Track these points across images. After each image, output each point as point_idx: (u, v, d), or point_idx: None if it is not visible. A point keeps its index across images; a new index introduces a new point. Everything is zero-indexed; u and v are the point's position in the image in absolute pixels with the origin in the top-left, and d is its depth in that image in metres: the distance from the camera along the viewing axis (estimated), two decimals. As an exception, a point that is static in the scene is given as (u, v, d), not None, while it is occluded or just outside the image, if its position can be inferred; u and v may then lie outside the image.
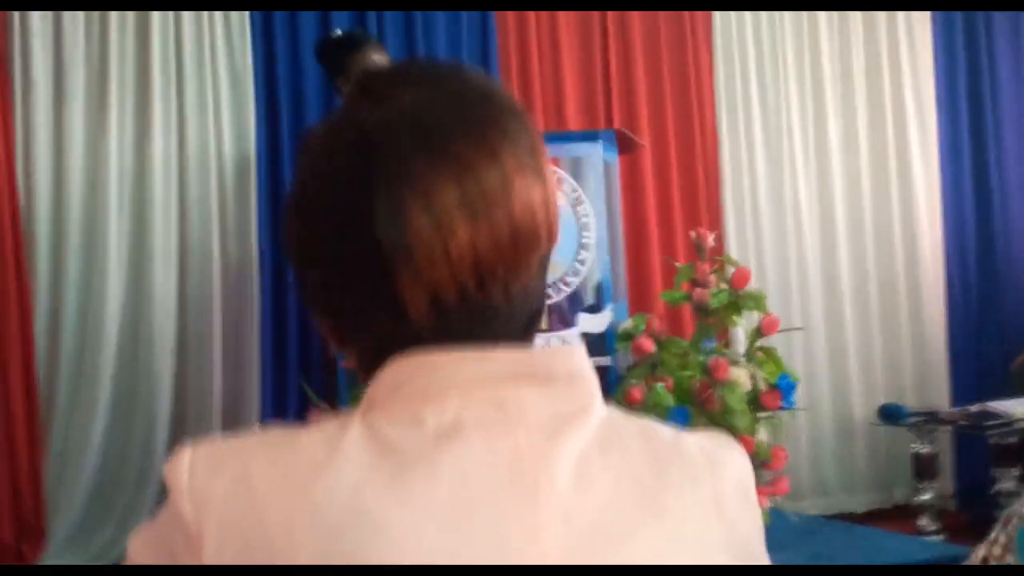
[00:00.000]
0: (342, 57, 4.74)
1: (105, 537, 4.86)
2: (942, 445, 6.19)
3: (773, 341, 5.47)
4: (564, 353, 1.05)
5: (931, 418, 5.89)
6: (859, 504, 6.30)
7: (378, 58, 4.76)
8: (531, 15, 5.75)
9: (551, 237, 1.06)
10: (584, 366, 1.06)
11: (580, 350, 1.07)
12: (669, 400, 4.03)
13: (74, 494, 4.86)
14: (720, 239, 6.03)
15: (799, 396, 5.98)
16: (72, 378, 4.92)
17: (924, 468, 5.83)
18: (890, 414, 6.03)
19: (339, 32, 4.97)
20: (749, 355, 4.30)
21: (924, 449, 5.83)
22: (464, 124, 1.01)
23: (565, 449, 1.00)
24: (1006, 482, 5.62)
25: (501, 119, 1.03)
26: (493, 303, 1.02)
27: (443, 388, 0.99)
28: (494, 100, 1.05)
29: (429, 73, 1.07)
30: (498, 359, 1.01)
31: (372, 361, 1.03)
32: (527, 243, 1.01)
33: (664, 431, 1.09)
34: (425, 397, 0.99)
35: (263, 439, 0.99)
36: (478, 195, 0.98)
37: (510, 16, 5.73)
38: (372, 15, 5.40)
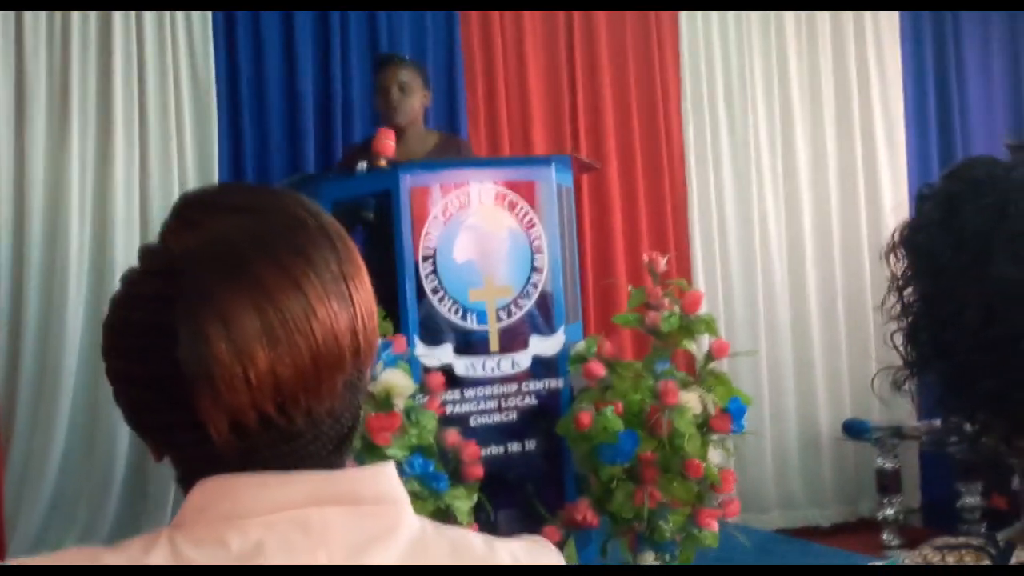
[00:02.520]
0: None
1: (66, 552, 4.87)
2: (908, 460, 6.22)
3: (739, 357, 5.53)
4: (371, 474, 1.08)
5: (895, 433, 5.92)
6: (825, 518, 6.32)
7: (382, 76, 4.96)
8: (497, 40, 5.77)
9: (360, 360, 1.08)
10: (392, 487, 1.08)
11: (389, 469, 1.10)
12: (618, 424, 4.07)
13: (34, 509, 4.86)
14: (687, 258, 6.06)
15: (765, 410, 6.07)
16: (32, 395, 4.93)
17: (888, 483, 5.87)
18: (853, 429, 6.06)
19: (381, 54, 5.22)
20: (701, 379, 4.34)
21: (888, 464, 5.87)
22: (268, 253, 1.03)
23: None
24: (970, 497, 5.66)
25: (307, 248, 1.05)
26: (296, 427, 1.04)
27: (247, 511, 1.02)
28: (305, 228, 1.07)
29: (244, 200, 1.10)
30: (301, 482, 1.04)
31: (184, 478, 1.07)
32: (330, 369, 1.04)
33: (477, 544, 1.12)
34: (229, 520, 1.01)
35: (66, 558, 1.02)
36: (279, 323, 1.00)
37: (475, 39, 5.75)
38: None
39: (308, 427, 1.05)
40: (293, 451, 1.05)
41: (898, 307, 1.13)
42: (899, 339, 1.15)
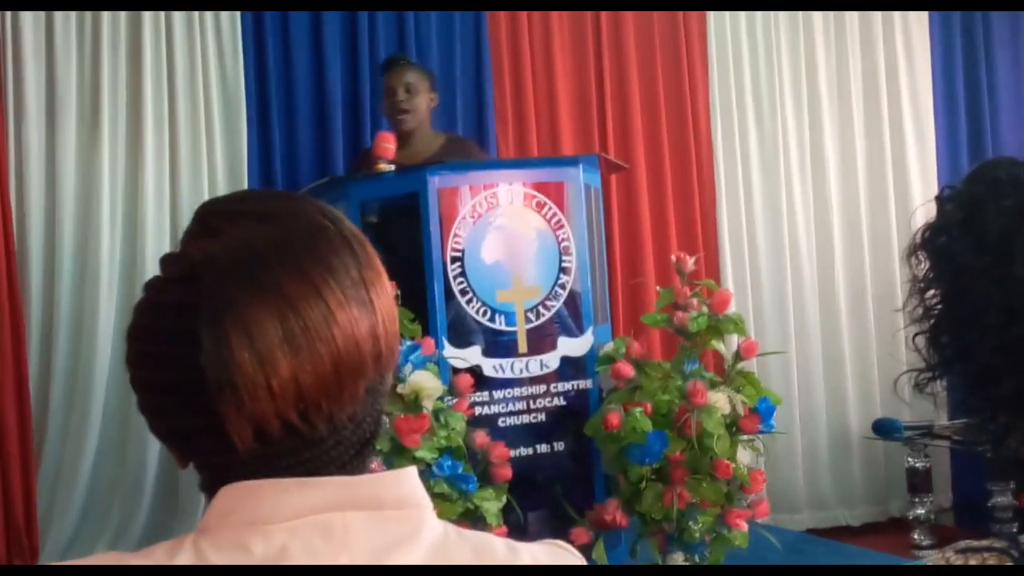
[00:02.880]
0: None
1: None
2: (939, 459, 6.18)
3: (769, 356, 5.52)
4: (392, 479, 1.09)
5: (925, 432, 5.89)
6: (855, 518, 6.29)
7: (387, 78, 5.02)
8: (525, 40, 5.77)
9: (381, 365, 1.09)
10: (414, 491, 1.09)
11: (411, 474, 1.11)
12: (647, 425, 4.07)
13: (67, 511, 4.90)
14: (716, 257, 6.05)
15: (796, 410, 6.05)
16: (65, 397, 4.97)
17: (918, 482, 5.85)
18: (883, 428, 6.03)
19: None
20: (730, 378, 4.33)
21: (918, 463, 5.85)
22: (288, 261, 1.04)
23: None
24: (1001, 496, 5.63)
25: (327, 254, 1.06)
26: (318, 433, 1.05)
27: (270, 516, 1.03)
28: (324, 235, 1.08)
29: (264, 207, 1.11)
30: (323, 487, 1.05)
31: (209, 484, 1.08)
32: (352, 375, 1.05)
33: (499, 548, 1.13)
34: (252, 525, 1.02)
35: (94, 563, 1.03)
36: (300, 330, 1.01)
37: (503, 40, 5.76)
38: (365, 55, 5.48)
39: (330, 433, 1.06)
40: (315, 457, 1.06)
41: (920, 309, 1.14)
42: (921, 341, 1.15)
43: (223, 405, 1.00)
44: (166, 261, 1.10)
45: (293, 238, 1.07)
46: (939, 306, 1.12)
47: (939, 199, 1.15)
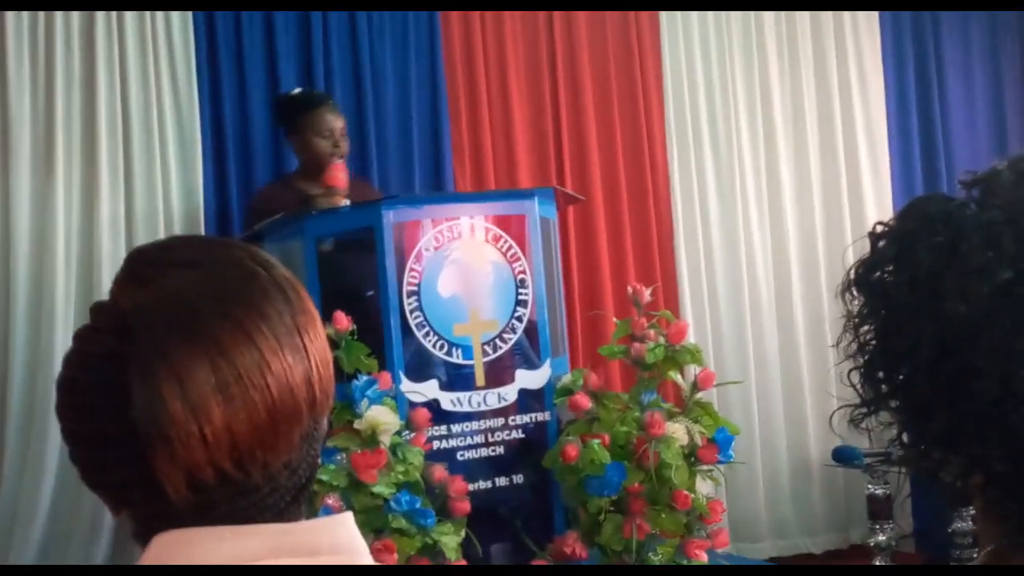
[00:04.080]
0: (295, 116, 4.91)
1: (56, 595, 4.86)
2: (900, 486, 6.19)
3: (729, 386, 5.54)
4: (328, 525, 1.08)
5: (885, 459, 5.91)
6: (817, 545, 6.31)
7: (331, 117, 4.87)
8: (480, 70, 5.77)
9: (316, 411, 1.08)
10: (350, 537, 1.09)
11: (347, 520, 1.10)
12: (605, 457, 4.07)
13: (23, 554, 4.84)
14: (674, 287, 6.05)
15: (756, 439, 6.06)
16: (21, 440, 4.91)
17: (879, 509, 5.85)
18: (843, 456, 6.05)
19: (297, 90, 5.08)
20: (688, 409, 4.34)
21: (878, 490, 5.86)
22: (220, 308, 1.04)
23: None
24: (961, 522, 5.65)
25: (259, 301, 1.06)
26: (253, 481, 1.04)
27: (204, 565, 1.02)
28: (256, 281, 1.08)
29: (195, 255, 1.10)
30: (259, 534, 1.04)
31: (142, 534, 1.07)
32: (287, 422, 1.04)
33: None
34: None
35: None
36: (233, 379, 1.01)
37: (459, 68, 5.76)
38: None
39: (265, 481, 1.06)
40: (250, 505, 1.06)
41: (854, 345, 1.14)
42: (856, 377, 1.15)
43: (156, 456, 1.00)
44: (95, 310, 1.09)
45: (224, 285, 1.06)
46: (872, 342, 1.13)
47: (872, 235, 1.15)
